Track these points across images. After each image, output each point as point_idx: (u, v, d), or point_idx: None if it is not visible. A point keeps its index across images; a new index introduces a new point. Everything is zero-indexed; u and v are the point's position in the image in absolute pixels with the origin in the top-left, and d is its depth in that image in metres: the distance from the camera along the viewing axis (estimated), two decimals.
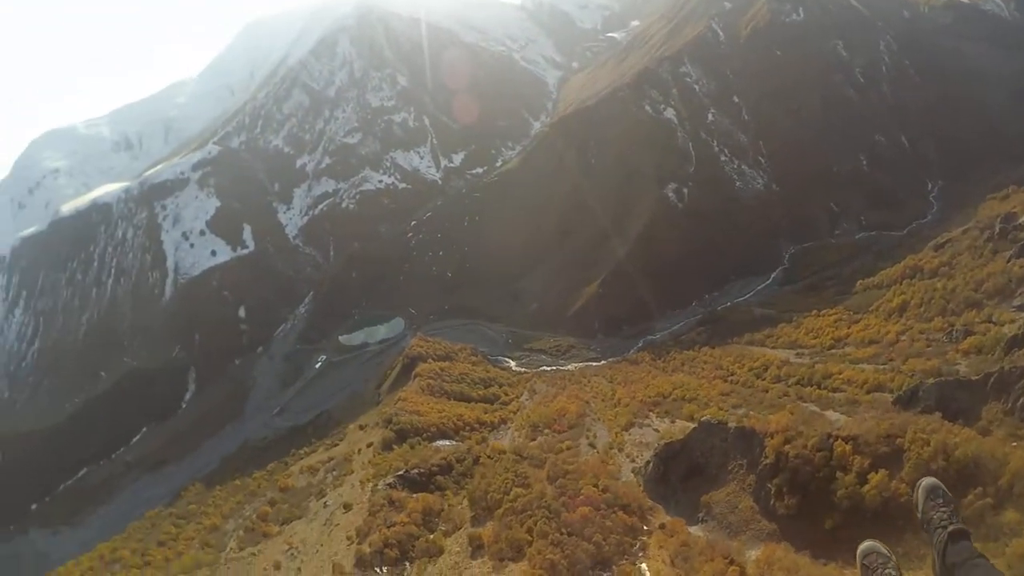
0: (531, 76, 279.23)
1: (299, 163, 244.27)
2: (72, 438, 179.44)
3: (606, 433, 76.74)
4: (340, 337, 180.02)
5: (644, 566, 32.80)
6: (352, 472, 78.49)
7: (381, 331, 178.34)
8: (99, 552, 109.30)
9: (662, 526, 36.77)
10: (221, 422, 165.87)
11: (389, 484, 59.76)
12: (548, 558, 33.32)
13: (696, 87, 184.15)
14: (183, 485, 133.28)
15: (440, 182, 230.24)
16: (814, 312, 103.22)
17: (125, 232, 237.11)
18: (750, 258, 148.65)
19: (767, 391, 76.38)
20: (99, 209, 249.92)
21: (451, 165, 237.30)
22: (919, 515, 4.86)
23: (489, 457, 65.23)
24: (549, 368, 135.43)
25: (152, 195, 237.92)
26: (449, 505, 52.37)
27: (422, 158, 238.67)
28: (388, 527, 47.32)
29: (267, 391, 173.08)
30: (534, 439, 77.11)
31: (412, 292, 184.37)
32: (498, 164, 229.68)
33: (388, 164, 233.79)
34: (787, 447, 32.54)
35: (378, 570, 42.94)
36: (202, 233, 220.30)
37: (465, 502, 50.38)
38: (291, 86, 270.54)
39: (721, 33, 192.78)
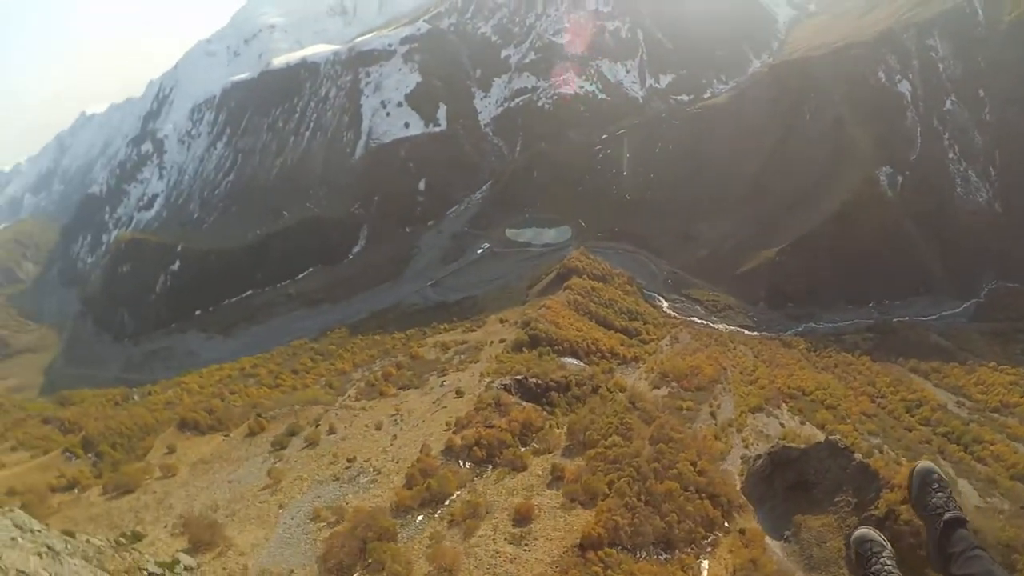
0: (761, 9, 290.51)
1: (504, 54, 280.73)
2: (245, 263, 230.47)
3: (731, 408, 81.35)
4: (507, 230, 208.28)
5: (705, 564, 36.02)
6: (478, 361, 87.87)
7: (548, 235, 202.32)
8: (241, 364, 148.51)
9: (742, 531, 39.66)
10: (380, 280, 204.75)
11: (504, 385, 67.25)
12: (614, 519, 36.47)
13: (940, 66, 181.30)
14: (330, 326, 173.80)
15: (641, 101, 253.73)
16: (992, 363, 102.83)
17: (328, 92, 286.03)
18: (945, 277, 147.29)
19: (910, 431, 78.79)
20: (308, 67, 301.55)
21: (656, 85, 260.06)
22: (912, 500, 5.19)
23: (608, 391, 70.37)
24: (700, 321, 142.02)
25: (358, 61, 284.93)
26: (550, 425, 57.25)
27: (627, 72, 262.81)
28: (486, 427, 53.61)
29: (428, 263, 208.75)
30: (658, 387, 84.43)
31: (586, 205, 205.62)
32: (706, 96, 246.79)
33: (592, 71, 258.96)
34: (902, 507, 32.90)
35: (461, 463, 49.49)
36: (399, 105, 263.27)
37: (565, 429, 55.11)
38: None
39: (980, 12, 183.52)
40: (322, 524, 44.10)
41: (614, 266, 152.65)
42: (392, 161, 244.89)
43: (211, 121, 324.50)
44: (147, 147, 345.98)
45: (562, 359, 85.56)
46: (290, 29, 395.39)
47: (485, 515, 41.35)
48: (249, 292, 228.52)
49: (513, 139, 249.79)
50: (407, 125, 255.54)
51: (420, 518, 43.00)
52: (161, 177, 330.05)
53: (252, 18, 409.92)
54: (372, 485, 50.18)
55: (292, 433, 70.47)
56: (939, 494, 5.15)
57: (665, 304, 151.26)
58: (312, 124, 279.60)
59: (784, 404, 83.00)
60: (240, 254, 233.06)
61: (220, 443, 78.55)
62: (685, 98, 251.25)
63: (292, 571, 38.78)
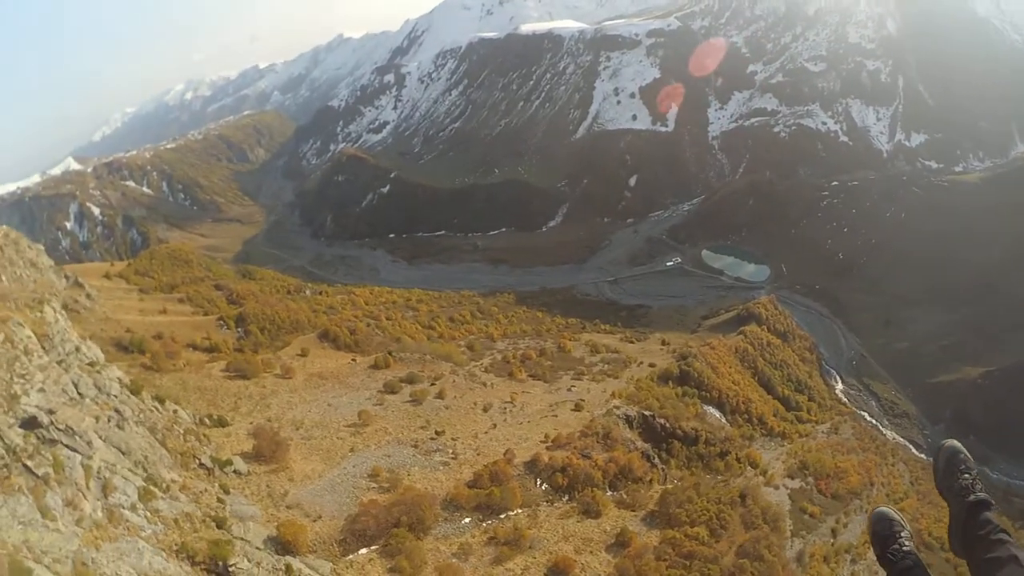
0: None
1: (750, 69, 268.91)
2: (447, 205, 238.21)
3: (858, 533, 70.58)
4: (704, 251, 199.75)
5: None
6: (617, 378, 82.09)
7: (744, 269, 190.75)
8: (409, 295, 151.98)
9: None
10: (563, 260, 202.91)
11: (627, 416, 62.24)
12: None
13: None
14: (501, 288, 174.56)
15: (885, 155, 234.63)
16: None
17: (566, 67, 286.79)
18: None
19: None
20: (552, 39, 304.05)
21: (905, 143, 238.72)
22: (937, 480, 5.14)
23: (737, 461, 65.16)
24: (869, 419, 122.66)
25: (602, 44, 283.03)
26: (650, 479, 52.60)
27: (878, 119, 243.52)
28: (580, 455, 49.31)
29: (614, 258, 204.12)
30: (792, 477, 73.61)
31: (794, 250, 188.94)
32: (957, 168, 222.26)
33: (839, 109, 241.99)
34: None
35: (537, 482, 45.91)
36: (632, 96, 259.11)
37: (660, 493, 49.72)
38: None
39: None
40: (374, 485, 41.50)
41: (800, 325, 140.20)
42: (610, 149, 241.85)
43: (452, 69, 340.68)
44: (390, 78, 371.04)
45: (704, 407, 78.23)
46: (543, 1, 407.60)
47: (527, 549, 37.52)
48: (441, 232, 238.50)
49: (738, 159, 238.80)
50: (634, 118, 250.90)
51: (466, 521, 39.29)
52: (395, 108, 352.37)
53: None
54: (441, 467, 46.75)
55: (408, 381, 68.47)
56: (965, 476, 4.96)
57: (840, 386, 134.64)
58: (543, 95, 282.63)
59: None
60: (445, 195, 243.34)
61: (344, 364, 78.60)
62: (933, 165, 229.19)
63: (319, 518, 36.41)
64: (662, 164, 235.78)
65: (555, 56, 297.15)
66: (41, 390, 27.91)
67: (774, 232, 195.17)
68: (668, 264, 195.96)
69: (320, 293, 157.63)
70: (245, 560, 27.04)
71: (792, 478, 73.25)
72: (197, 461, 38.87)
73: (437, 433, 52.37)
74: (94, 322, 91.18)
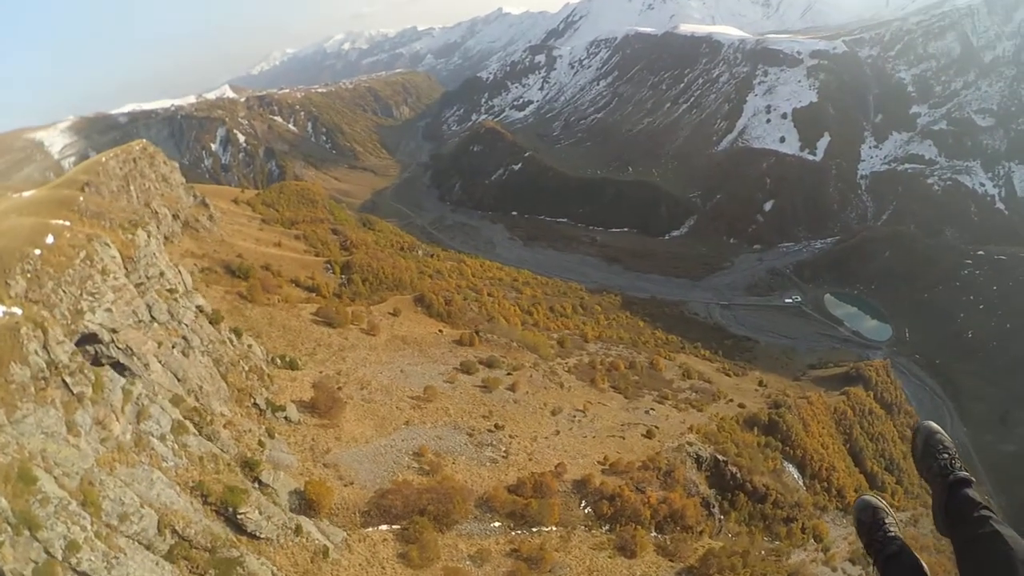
0: None
1: (913, 110, 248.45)
2: (574, 193, 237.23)
3: None
4: (827, 295, 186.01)
5: None
6: (700, 411, 77.29)
7: (864, 324, 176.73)
8: (516, 275, 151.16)
9: None
10: (679, 272, 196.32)
11: (697, 457, 58.38)
12: None
13: None
14: (610, 287, 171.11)
15: None
16: None
17: (720, 75, 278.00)
18: None
19: None
20: (711, 44, 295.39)
21: None
22: (916, 462, 5.20)
23: (801, 532, 60.97)
24: None
25: (760, 57, 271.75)
26: (702, 530, 48.83)
27: None
28: (634, 488, 46.74)
29: (732, 282, 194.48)
30: (855, 564, 63.75)
31: (921, 316, 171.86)
32: None
33: (1001, 172, 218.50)
34: None
35: (581, 504, 43.68)
36: (783, 116, 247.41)
37: (706, 550, 44.81)
38: (946, 27, 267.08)
39: None
40: (415, 465, 41.21)
41: (908, 399, 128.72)
42: (750, 169, 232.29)
43: (604, 59, 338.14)
44: (540, 59, 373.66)
45: (784, 463, 72.77)
46: (708, 2, 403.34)
47: (546, 572, 35.33)
48: (563, 220, 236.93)
49: (883, 205, 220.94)
50: (782, 140, 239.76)
51: (495, 525, 38.00)
52: (541, 89, 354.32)
53: None
54: (489, 463, 45.38)
55: (487, 365, 67.80)
56: (944, 455, 5.01)
57: None
58: (692, 100, 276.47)
59: None
60: (574, 184, 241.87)
61: (431, 333, 78.98)
62: None
63: (351, 483, 36.39)
64: (802, 194, 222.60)
65: (710, 62, 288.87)
66: (108, 310, 28.74)
67: (905, 291, 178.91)
68: (787, 300, 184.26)
69: (432, 256, 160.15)
70: (256, 512, 27.07)
71: (854, 563, 66.70)
72: (252, 400, 39.57)
73: (496, 427, 51.07)
74: (210, 242, 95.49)
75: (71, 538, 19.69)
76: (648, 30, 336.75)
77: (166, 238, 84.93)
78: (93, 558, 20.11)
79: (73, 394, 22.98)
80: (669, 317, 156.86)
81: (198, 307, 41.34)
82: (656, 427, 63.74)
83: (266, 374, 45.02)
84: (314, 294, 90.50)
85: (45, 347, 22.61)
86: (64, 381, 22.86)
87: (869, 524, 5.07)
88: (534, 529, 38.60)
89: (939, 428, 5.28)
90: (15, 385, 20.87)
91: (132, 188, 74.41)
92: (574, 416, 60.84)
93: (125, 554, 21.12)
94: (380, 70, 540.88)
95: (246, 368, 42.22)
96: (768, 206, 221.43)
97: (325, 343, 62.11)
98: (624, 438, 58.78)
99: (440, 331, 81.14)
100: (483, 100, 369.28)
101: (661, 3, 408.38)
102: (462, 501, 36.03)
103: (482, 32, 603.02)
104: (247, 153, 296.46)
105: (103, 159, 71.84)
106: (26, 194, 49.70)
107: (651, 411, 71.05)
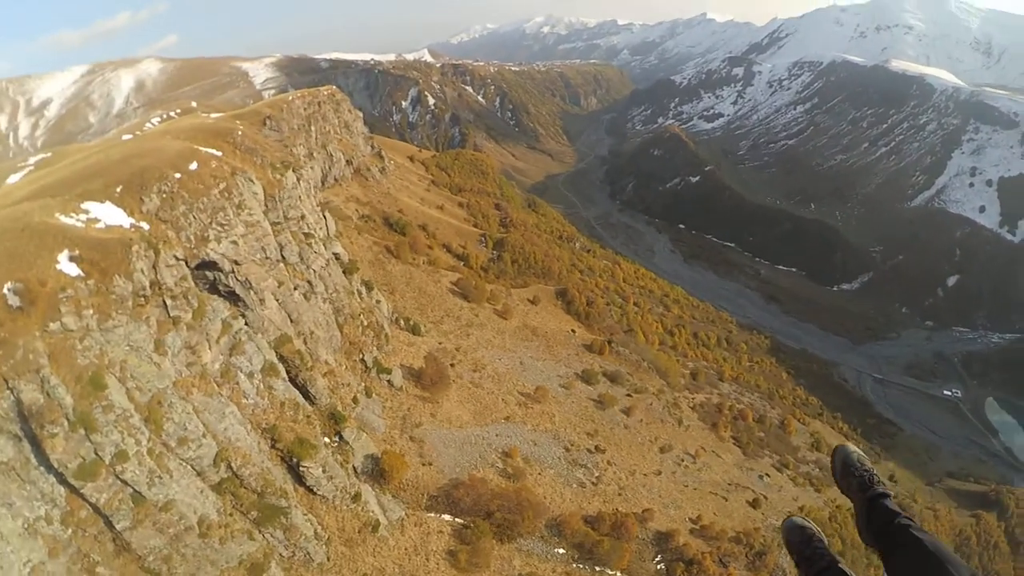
0: None
1: None
2: (749, 217, 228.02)
3: None
4: (992, 397, 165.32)
5: None
6: (819, 492, 72.17)
7: (1021, 441, 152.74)
8: (668, 289, 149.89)
9: None
10: (840, 330, 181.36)
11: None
12: None
13: None
14: (762, 326, 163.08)
15: None
16: None
17: (928, 123, 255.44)
18: None
19: None
20: (922, 86, 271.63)
21: None
22: (836, 481, 5.34)
23: None
24: None
25: (973, 111, 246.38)
26: None
27: None
28: (716, 560, 43.05)
29: (892, 356, 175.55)
30: None
31: None
32: None
33: None
34: None
35: (656, 557, 40.91)
36: (988, 183, 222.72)
37: None
38: None
39: None
40: (500, 465, 40.07)
41: None
42: (941, 235, 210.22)
43: (805, 82, 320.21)
44: (739, 71, 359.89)
45: None
46: (924, 40, 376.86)
47: None
48: (731, 244, 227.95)
49: None
50: (982, 210, 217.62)
51: (559, 552, 35.87)
52: (735, 103, 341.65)
53: (893, 10, 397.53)
54: (575, 485, 43.06)
55: (610, 379, 65.66)
56: (863, 473, 5.20)
57: None
58: (892, 144, 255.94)
59: None
60: (750, 209, 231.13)
61: (563, 330, 77.47)
62: None
63: (430, 464, 35.71)
64: (992, 276, 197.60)
65: (919, 106, 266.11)
66: (234, 242, 29.08)
67: None
68: (946, 393, 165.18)
69: (588, 251, 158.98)
70: (320, 469, 26.66)
71: None
72: (361, 355, 39.52)
73: (597, 448, 48.71)
74: (376, 192, 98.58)
75: (122, 448, 20.44)
76: (857, 60, 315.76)
77: (336, 180, 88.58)
78: (138, 471, 20.81)
79: (169, 316, 23.17)
80: (815, 376, 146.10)
81: (335, 254, 41.77)
82: (765, 496, 59.42)
83: (385, 332, 45.04)
84: (461, 263, 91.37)
85: (154, 267, 23.00)
86: (164, 302, 23.09)
87: (799, 543, 5.10)
88: (598, 568, 36.30)
89: (856, 449, 5.38)
90: (115, 296, 21.21)
91: (313, 128, 77.56)
92: (682, 460, 57.37)
93: (171, 475, 21.76)
94: (575, 58, 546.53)
95: (365, 323, 42.33)
96: (952, 281, 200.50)
97: (455, 315, 61.99)
98: (727, 499, 54.63)
99: (573, 331, 79.49)
100: (672, 104, 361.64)
101: (875, 32, 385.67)
102: (533, 517, 34.37)
103: (682, 35, 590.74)
104: (434, 116, 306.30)
105: (290, 97, 75.31)
106: (214, 115, 52.27)
107: (766, 477, 66.28)
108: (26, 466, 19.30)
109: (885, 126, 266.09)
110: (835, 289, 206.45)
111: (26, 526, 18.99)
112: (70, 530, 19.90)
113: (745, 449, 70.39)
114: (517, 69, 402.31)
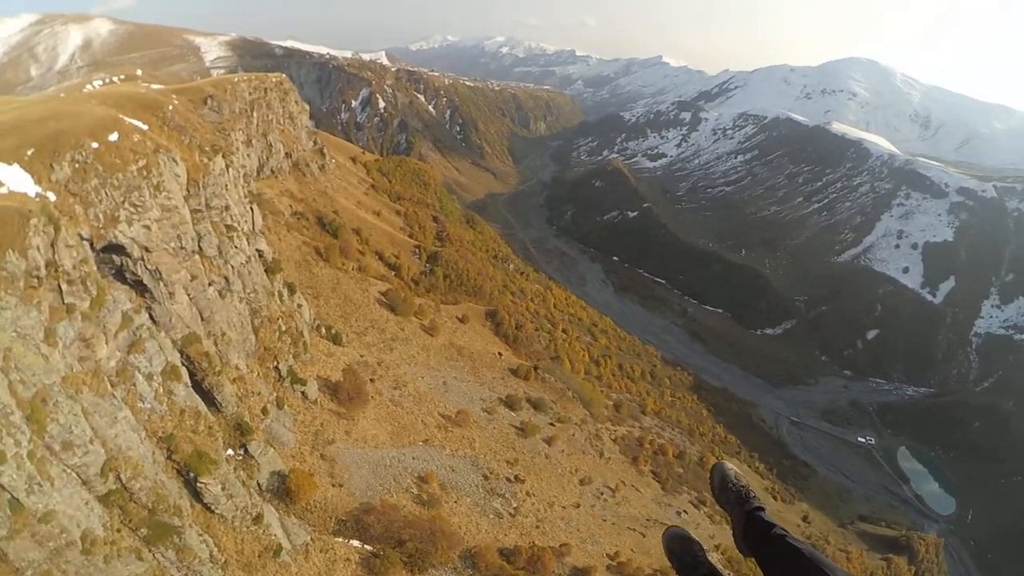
0: None
1: None
2: (681, 257, 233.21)
3: None
4: (904, 446, 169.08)
5: None
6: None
7: (928, 488, 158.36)
8: (599, 319, 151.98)
9: None
10: (761, 372, 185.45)
11: None
12: None
13: None
14: (686, 363, 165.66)
15: None
16: None
17: (860, 185, 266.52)
18: None
19: None
20: (860, 150, 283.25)
21: None
22: (715, 496, 5.51)
23: None
24: None
25: (905, 178, 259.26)
26: None
27: None
28: None
29: (809, 401, 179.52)
30: None
31: (994, 501, 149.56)
32: None
33: None
34: None
35: None
36: (913, 247, 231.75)
37: None
38: None
39: None
40: (414, 490, 38.56)
41: None
42: (864, 291, 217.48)
43: (748, 134, 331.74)
44: (686, 116, 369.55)
45: None
46: (867, 107, 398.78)
47: None
48: (661, 281, 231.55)
49: (990, 370, 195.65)
50: (905, 271, 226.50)
51: None
52: (679, 145, 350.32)
53: (840, 76, 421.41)
54: (492, 515, 41.75)
55: (533, 406, 64.39)
56: (740, 488, 5.37)
57: None
58: (825, 201, 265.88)
59: None
60: (683, 248, 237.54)
61: (489, 353, 75.87)
62: None
63: (341, 486, 33.80)
64: (910, 333, 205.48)
65: (855, 168, 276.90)
66: (147, 226, 26.51)
67: (984, 470, 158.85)
68: (859, 439, 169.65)
69: (522, 273, 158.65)
70: (219, 486, 24.37)
71: None
72: (275, 363, 37.16)
73: (517, 478, 47.49)
74: (313, 190, 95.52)
75: (0, 448, 17.62)
76: (800, 118, 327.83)
77: (272, 172, 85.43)
78: (16, 476, 18.18)
79: (64, 302, 20.72)
80: (735, 415, 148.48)
81: (258, 251, 39.40)
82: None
83: (304, 340, 42.72)
84: (392, 273, 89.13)
85: (52, 245, 20.49)
86: (59, 286, 20.61)
87: (680, 552, 5.24)
88: None
89: (733, 467, 5.51)
90: (5, 274, 18.68)
91: (255, 115, 74.46)
92: (602, 493, 56.51)
93: (52, 483, 19.11)
94: (529, 82, 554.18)
95: (284, 328, 39.99)
96: (871, 334, 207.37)
97: (380, 326, 59.87)
98: (645, 535, 53.79)
99: (500, 353, 77.98)
100: (619, 139, 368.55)
101: (820, 95, 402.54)
102: (447, 547, 32.71)
103: (637, 73, 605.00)
104: (383, 119, 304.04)
105: (236, 79, 72.23)
106: (155, 87, 49.17)
107: (683, 513, 65.99)
108: None
109: (820, 183, 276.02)
110: (759, 333, 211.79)
111: None
112: None
113: (664, 484, 70.03)
114: (472, 84, 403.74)
